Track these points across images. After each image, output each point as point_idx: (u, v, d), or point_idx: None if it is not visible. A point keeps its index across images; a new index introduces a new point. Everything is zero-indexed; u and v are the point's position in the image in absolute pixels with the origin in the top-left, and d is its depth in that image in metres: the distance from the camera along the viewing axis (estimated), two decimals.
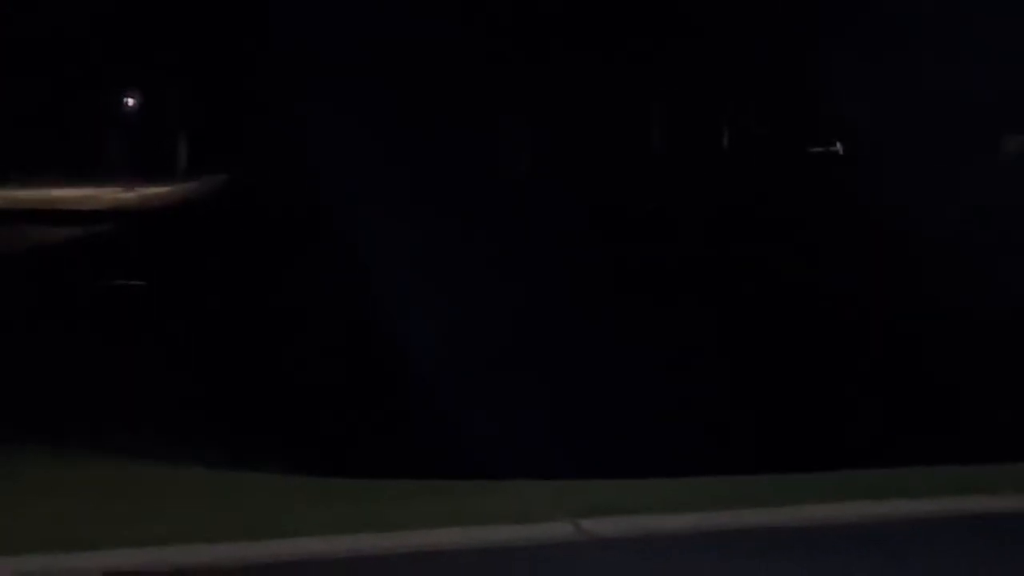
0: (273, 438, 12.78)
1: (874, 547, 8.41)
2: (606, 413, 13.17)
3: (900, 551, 8.35)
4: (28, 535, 8.46)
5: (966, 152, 23.95)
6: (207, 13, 29.14)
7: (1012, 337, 15.62)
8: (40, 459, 11.59)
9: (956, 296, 16.78)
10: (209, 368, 15.69)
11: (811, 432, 12.69)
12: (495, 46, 23.40)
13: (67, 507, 9.51)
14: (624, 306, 16.94)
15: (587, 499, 9.37)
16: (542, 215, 20.78)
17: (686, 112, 27.30)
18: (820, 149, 31.77)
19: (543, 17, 23.80)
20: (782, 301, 17.78)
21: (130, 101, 43.05)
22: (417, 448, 11.93)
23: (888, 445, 11.72)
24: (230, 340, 17.11)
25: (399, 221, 19.54)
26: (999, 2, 23.09)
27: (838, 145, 32.36)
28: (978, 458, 10.64)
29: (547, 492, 9.73)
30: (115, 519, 9.02)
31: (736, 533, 8.67)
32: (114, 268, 25.15)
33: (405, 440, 12.36)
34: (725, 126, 27.86)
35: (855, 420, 13.33)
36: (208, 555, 8.15)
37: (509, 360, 14.64)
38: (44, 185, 38.85)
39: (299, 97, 23.74)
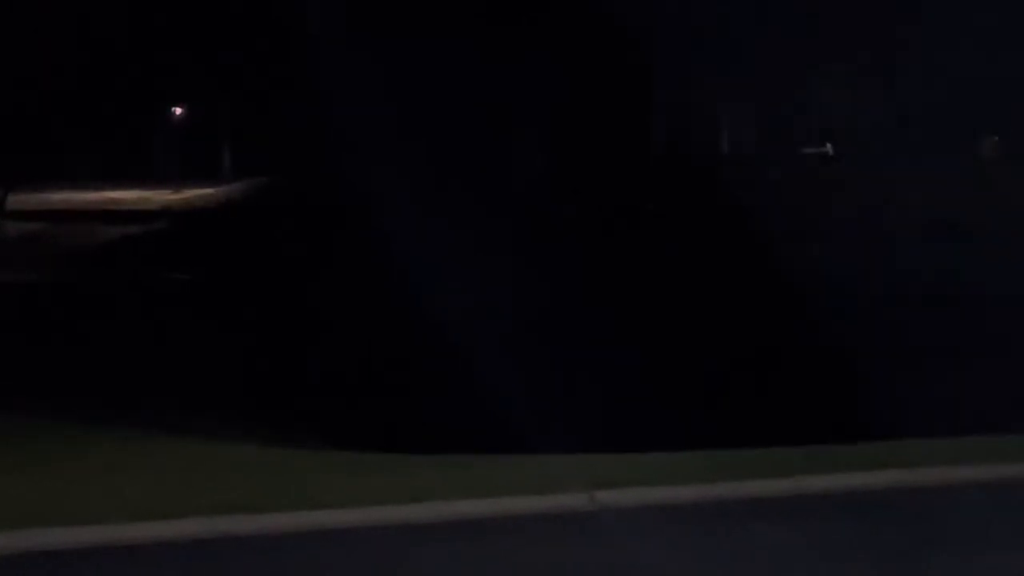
0: (311, 417, 12.77)
1: (863, 514, 8.39)
2: (617, 393, 13.14)
3: (887, 517, 8.32)
4: (94, 508, 8.49)
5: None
6: (247, 27, 29.16)
7: None
8: (103, 438, 11.62)
9: None
10: (251, 353, 15.69)
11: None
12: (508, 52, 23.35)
13: (121, 480, 9.54)
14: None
15: (600, 472, 9.35)
16: (555, 214, 20.75)
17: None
18: (812, 150, 31.68)
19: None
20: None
21: (177, 110, 43.13)
22: (443, 425, 11.92)
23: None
24: (269, 328, 17.12)
25: (421, 216, 19.54)
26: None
27: (828, 146, 32.27)
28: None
29: (563, 466, 9.71)
30: (165, 491, 9.04)
31: (736, 502, 8.65)
32: (165, 262, 25.20)
33: (433, 417, 12.35)
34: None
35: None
36: (251, 525, 8.16)
37: (525, 344, 14.60)
38: (100, 188, 38.94)
39: (332, 105, 23.76)
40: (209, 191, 38.52)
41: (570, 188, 22.52)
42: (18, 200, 33.93)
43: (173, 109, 43.34)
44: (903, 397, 12.02)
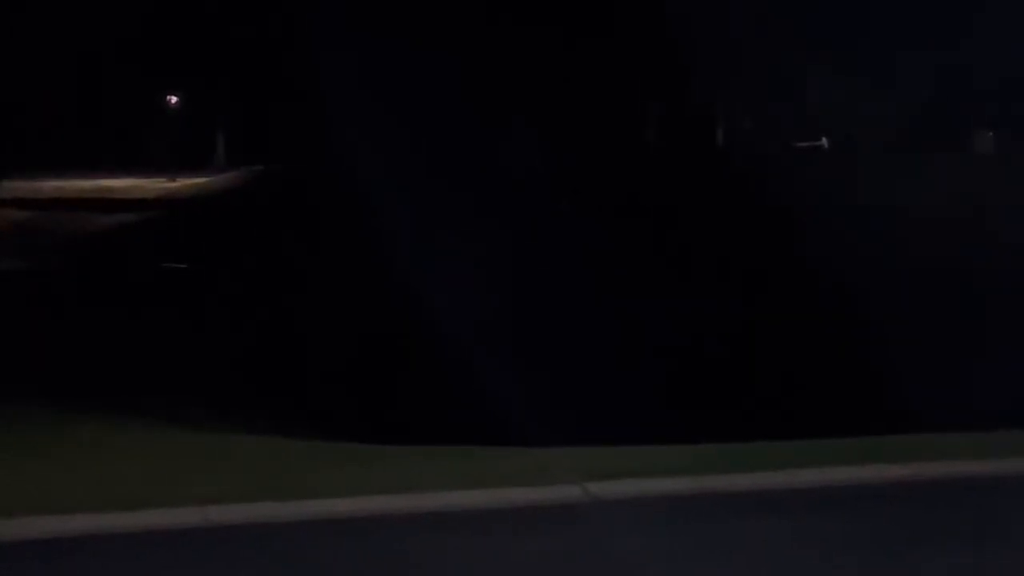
0: (305, 406, 12.80)
1: (852, 507, 8.44)
2: (613, 386, 13.17)
3: (876, 511, 8.37)
4: (82, 495, 8.51)
5: None
6: (242, 18, 29.17)
7: None
8: (95, 426, 11.63)
9: None
10: (246, 343, 15.72)
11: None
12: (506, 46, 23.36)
13: (116, 469, 9.56)
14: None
15: (593, 464, 9.39)
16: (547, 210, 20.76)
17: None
18: (806, 144, 31.72)
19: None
20: None
21: (172, 100, 43.12)
22: (438, 417, 11.95)
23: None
24: (264, 318, 17.14)
25: (417, 207, 19.56)
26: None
27: (823, 140, 32.31)
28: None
29: (556, 457, 9.75)
30: (159, 480, 9.06)
31: (728, 495, 8.70)
32: (160, 251, 25.23)
33: (427, 409, 12.38)
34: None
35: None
36: (244, 514, 8.19)
37: (519, 337, 14.64)
38: (97, 177, 38.95)
39: (326, 95, 23.77)
40: (204, 180, 38.54)
41: (566, 180, 22.51)
42: (11, 188, 33.97)
43: (168, 98, 43.36)
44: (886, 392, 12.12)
